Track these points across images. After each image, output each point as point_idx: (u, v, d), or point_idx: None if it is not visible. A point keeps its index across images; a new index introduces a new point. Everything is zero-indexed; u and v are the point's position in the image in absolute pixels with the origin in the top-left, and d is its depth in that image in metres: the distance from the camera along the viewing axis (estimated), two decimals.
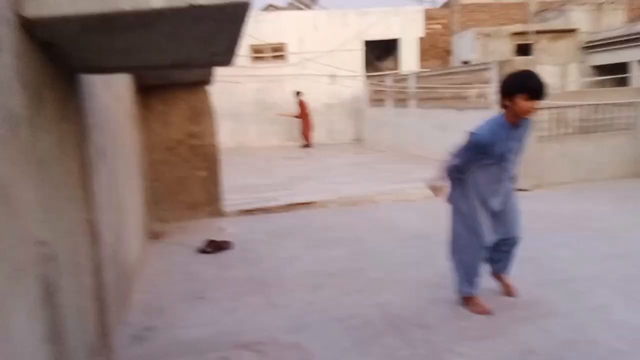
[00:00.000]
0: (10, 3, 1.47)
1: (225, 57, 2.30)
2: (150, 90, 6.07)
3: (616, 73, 12.56)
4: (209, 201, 6.56)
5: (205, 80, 5.99)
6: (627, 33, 13.30)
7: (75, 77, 2.32)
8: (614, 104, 8.49)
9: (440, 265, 4.50)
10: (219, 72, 12.26)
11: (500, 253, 3.63)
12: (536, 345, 2.98)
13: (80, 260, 2.35)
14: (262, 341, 3.24)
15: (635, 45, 12.96)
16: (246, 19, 1.74)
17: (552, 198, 7.13)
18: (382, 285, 4.15)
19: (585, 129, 8.45)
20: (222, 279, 4.43)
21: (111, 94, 3.62)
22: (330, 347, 3.16)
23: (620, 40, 13.49)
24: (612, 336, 3.14)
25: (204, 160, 6.49)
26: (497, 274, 3.78)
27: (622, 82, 12.60)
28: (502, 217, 3.45)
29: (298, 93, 14.81)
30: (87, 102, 2.56)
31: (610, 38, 13.97)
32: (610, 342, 3.07)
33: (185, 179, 6.42)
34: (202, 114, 6.40)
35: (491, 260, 3.69)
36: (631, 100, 8.54)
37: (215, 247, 5.22)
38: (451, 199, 3.54)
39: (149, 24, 1.68)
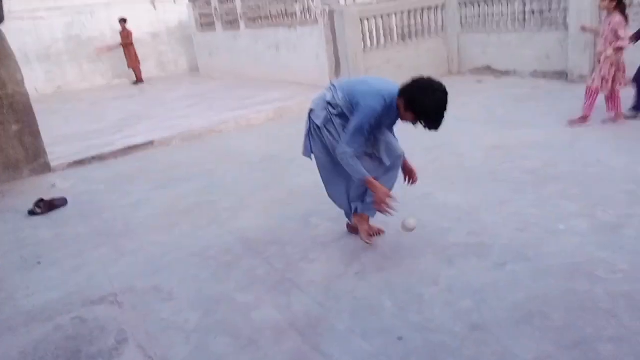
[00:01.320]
0: None
1: None
2: None
3: None
4: (29, 157, 5.81)
5: None
6: None
7: None
8: (425, 9, 9.17)
9: (288, 183, 4.67)
10: (16, 7, 10.45)
11: None
12: (377, 237, 3.31)
13: None
14: (116, 292, 3.11)
15: None
16: None
17: None
18: (235, 212, 4.19)
19: (404, 36, 9.08)
20: (61, 239, 4.07)
21: None
22: (190, 282, 3.15)
23: None
24: (437, 217, 3.61)
25: (13, 111, 5.64)
26: None
27: None
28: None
29: (124, 20, 13.21)
30: None
31: None
32: (436, 222, 3.53)
33: None
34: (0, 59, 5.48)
35: None
36: (439, 4, 9.30)
37: (47, 206, 4.72)
38: None
39: None
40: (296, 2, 9.36)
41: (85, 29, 13.74)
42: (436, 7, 9.29)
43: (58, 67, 13.64)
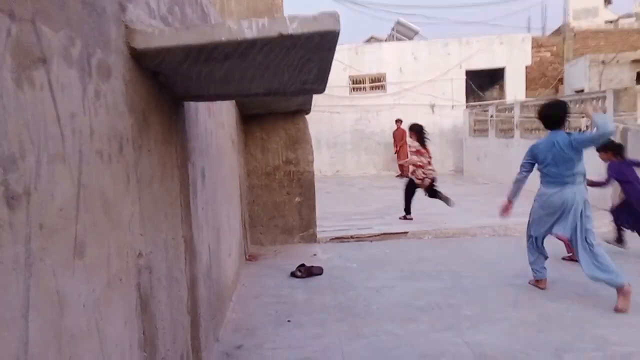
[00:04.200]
0: (122, 35, 1.64)
1: (317, 84, 2.36)
2: (252, 119, 6.40)
3: None
4: (303, 226, 6.69)
5: (304, 109, 6.19)
6: None
7: (180, 103, 2.52)
8: None
9: (543, 307, 4.17)
10: (320, 102, 12.59)
11: None
12: None
13: (176, 274, 2.50)
14: None
15: None
16: (335, 47, 1.78)
17: None
18: (475, 323, 3.92)
19: None
20: (310, 304, 4.45)
21: (214, 121, 3.87)
22: None
23: None
24: None
25: (300, 186, 6.67)
26: None
27: None
28: None
29: (399, 121, 14.61)
30: (190, 127, 2.76)
31: None
32: None
33: (281, 204, 6.62)
34: (300, 142, 6.60)
35: None
36: None
37: (307, 272, 5.28)
38: None
39: (243, 53, 1.79)
40: (582, 117, 8.76)
41: (369, 125, 15.59)
42: None
43: (341, 154, 15.71)
